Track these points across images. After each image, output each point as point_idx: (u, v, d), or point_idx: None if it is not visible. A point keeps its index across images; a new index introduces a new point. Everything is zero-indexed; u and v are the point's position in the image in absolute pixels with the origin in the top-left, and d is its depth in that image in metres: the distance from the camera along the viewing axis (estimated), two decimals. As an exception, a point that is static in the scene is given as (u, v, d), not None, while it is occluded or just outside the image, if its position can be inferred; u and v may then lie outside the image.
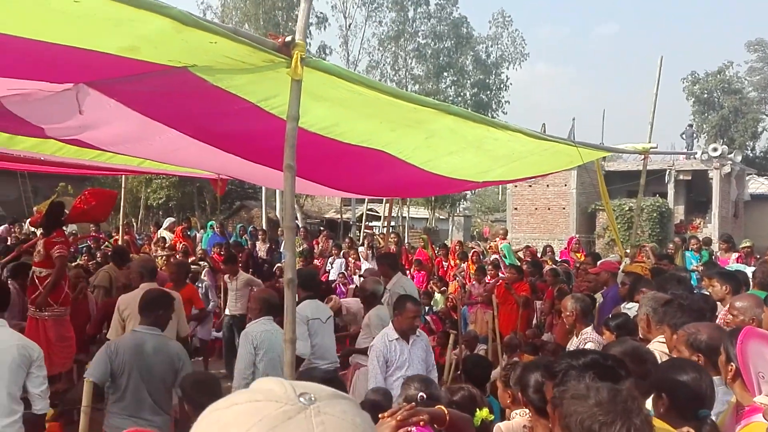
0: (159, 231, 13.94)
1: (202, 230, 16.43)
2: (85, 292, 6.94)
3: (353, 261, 11.93)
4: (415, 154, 5.18)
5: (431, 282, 10.94)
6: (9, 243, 12.39)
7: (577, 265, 11.01)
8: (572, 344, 5.02)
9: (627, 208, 24.22)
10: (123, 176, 11.35)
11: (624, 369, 2.10)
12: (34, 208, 15.81)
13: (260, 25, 28.75)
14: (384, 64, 35.70)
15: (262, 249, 13.20)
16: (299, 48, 3.24)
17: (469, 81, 36.28)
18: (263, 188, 24.47)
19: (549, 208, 28.45)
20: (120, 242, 11.07)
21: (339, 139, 4.66)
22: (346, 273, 11.49)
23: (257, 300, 5.26)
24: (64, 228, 6.58)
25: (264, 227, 19.77)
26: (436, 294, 10.51)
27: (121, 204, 10.73)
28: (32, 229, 13.32)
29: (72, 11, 2.67)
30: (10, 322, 4.46)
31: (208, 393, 3.34)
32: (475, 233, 36.28)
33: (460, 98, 35.24)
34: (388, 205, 10.65)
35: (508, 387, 3.34)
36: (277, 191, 24.44)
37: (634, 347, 3.19)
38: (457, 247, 12.66)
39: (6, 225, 16.08)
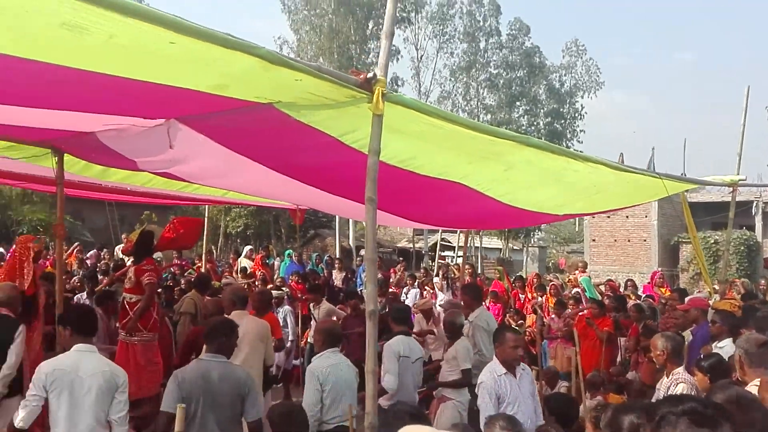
0: (239, 259, 14.30)
1: (278, 258, 16.80)
2: (164, 319, 7.17)
3: (429, 291, 11.88)
4: (493, 186, 5.14)
5: (507, 315, 10.73)
6: (98, 269, 13.05)
7: (663, 300, 10.55)
8: (662, 384, 4.79)
9: (712, 241, 23.17)
10: (205, 206, 11.80)
11: (725, 417, 1.98)
12: (123, 236, 16.61)
13: (334, 58, 29.47)
14: (455, 95, 35.95)
15: (338, 278, 13.34)
16: (380, 84, 3.30)
17: (542, 110, 35.95)
18: (337, 217, 24.82)
19: (629, 240, 27.56)
20: (203, 270, 11.45)
21: (417, 171, 4.69)
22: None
23: (320, 332, 5.12)
24: (153, 256, 6.87)
25: (338, 256, 19.99)
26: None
27: (204, 232, 11.12)
28: (121, 255, 13.99)
29: (167, 52, 2.82)
30: (98, 346, 4.64)
31: (296, 423, 3.36)
32: (550, 265, 35.50)
33: (533, 127, 34.93)
34: (463, 235, 10.57)
35: (598, 429, 3.22)
36: (351, 220, 24.77)
37: (738, 394, 3.01)
38: (535, 280, 12.39)
39: (95, 251, 16.90)
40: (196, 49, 2.71)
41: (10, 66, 3.08)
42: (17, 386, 4.80)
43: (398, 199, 5.46)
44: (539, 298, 11.39)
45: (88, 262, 14.38)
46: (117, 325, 6.97)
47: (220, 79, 3.27)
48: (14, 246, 6.49)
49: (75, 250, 14.03)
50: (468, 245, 12.96)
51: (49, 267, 7.75)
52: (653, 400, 4.42)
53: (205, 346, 4.42)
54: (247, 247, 15.04)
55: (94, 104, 4.02)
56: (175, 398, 4.07)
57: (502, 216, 6.70)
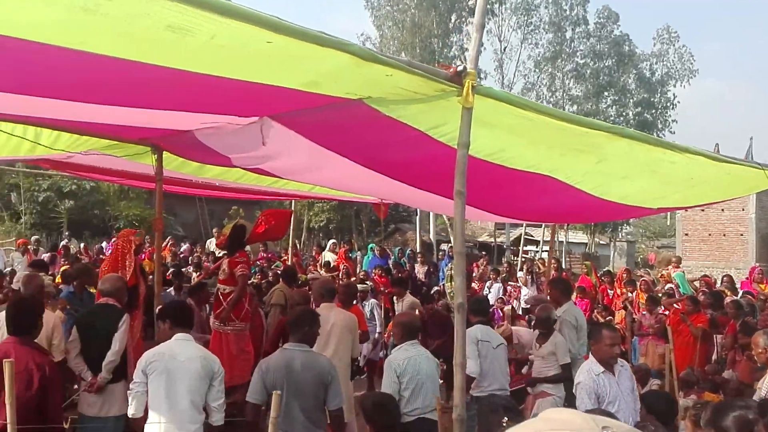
0: (323, 253, 14.58)
1: (359, 252, 17.01)
2: (257, 310, 7.43)
3: (512, 286, 11.73)
4: (584, 179, 5.00)
5: (595, 311, 10.44)
6: (190, 262, 13.63)
7: (762, 297, 9.99)
8: (765, 383, 4.55)
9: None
10: (291, 201, 12.09)
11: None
12: (214, 230, 17.28)
13: (416, 53, 29.41)
14: (540, 86, 35.06)
15: (420, 271, 13.38)
16: (470, 77, 3.29)
17: (631, 100, 34.63)
18: (417, 212, 24.83)
19: (724, 234, 26.17)
20: (289, 263, 11.75)
21: (505, 164, 4.63)
22: (504, 298, 11.32)
23: (398, 325, 5.14)
24: (245, 249, 7.13)
25: (418, 249, 20.02)
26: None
27: (291, 227, 11.39)
28: (212, 249, 14.56)
29: (264, 52, 2.90)
30: (192, 335, 4.85)
31: (388, 413, 3.40)
32: (639, 260, 34.26)
33: (622, 118, 33.69)
34: (548, 230, 10.36)
35: (698, 427, 3.09)
36: (431, 214, 24.74)
37: None
38: (624, 275, 11.98)
39: (188, 245, 17.65)
40: (290, 47, 2.78)
41: (116, 68, 3.27)
42: (121, 373, 5.08)
43: (485, 193, 5.41)
44: (629, 294, 11.01)
45: (182, 255, 15.03)
46: (210, 315, 7.29)
47: (313, 77, 3.34)
48: (116, 239, 6.85)
49: (169, 244, 14.70)
50: (553, 240, 12.69)
51: (146, 260, 8.15)
52: (755, 398, 4.21)
53: (289, 336, 4.52)
54: (331, 241, 15.31)
55: (192, 103, 4.20)
56: (260, 388, 4.19)
57: (592, 210, 6.51)
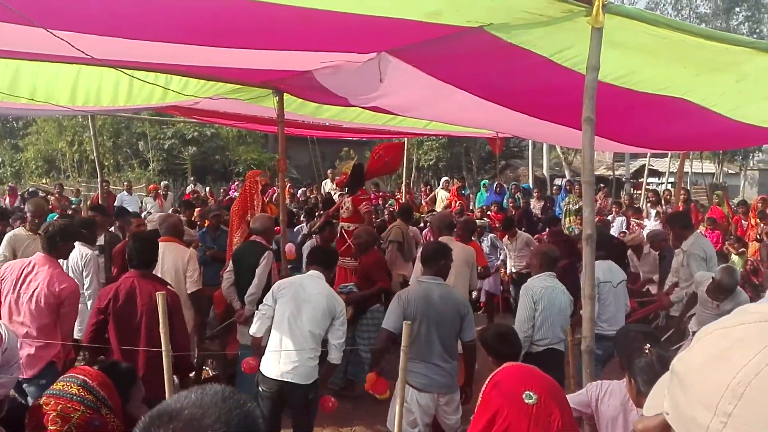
0: (436, 190, 14.61)
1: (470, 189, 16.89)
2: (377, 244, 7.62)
3: (635, 221, 11.26)
4: (721, 101, 4.65)
5: (727, 243, 9.86)
6: (308, 204, 14.10)
7: None
8: None
9: None
10: (402, 138, 12.11)
11: None
12: (328, 172, 17.70)
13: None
14: (664, 4, 32.60)
15: (537, 207, 13.12)
16: (601, -6, 3.11)
17: (766, 15, 31.46)
18: (530, 146, 24.18)
19: None
20: (402, 201, 11.89)
21: (634, 88, 4.38)
22: (627, 232, 10.89)
23: (537, 255, 5.17)
24: (363, 187, 7.30)
25: (531, 185, 19.58)
26: (732, 256, 9.45)
27: (404, 166, 11.47)
28: (326, 189, 14.97)
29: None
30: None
31: (510, 344, 3.44)
32: (773, 189, 31.72)
33: (755, 35, 30.77)
34: (676, 159, 9.78)
35: None
36: (545, 148, 24.01)
37: None
38: (760, 205, 11.16)
39: (303, 189, 18.24)
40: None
41: (242, 10, 3.36)
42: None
43: (611, 121, 5.16)
44: (763, 225, 10.29)
45: (299, 198, 15.58)
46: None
47: (436, 6, 3.28)
48: (245, 181, 7.18)
49: (287, 186, 15.23)
50: (675, 170, 11.98)
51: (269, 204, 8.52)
52: None
53: (422, 269, 4.60)
54: (443, 179, 15.27)
55: (312, 42, 4.25)
56: (398, 317, 4.29)
57: (727, 135, 6.06)
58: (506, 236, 8.65)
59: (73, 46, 3.87)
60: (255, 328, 4.53)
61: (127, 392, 2.63)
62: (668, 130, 5.80)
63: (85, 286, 5.51)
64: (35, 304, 4.47)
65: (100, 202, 10.66)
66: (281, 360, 4.32)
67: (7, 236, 6.16)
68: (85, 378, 2.15)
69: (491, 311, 8.85)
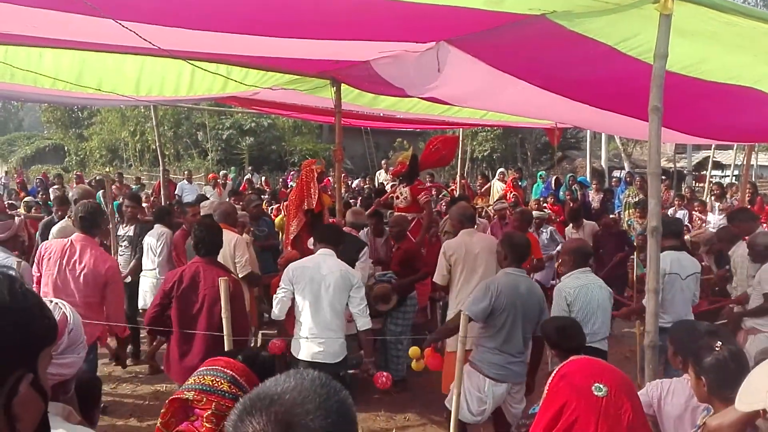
0: (491, 182, 14.47)
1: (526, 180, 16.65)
2: (438, 236, 7.63)
3: (698, 216, 10.90)
4: (794, 89, 4.46)
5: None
6: (364, 195, 14.19)
7: None
8: None
9: None
10: (457, 129, 12.02)
11: None
12: (383, 162, 17.75)
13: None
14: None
15: (595, 199, 12.83)
16: (670, -20, 3.01)
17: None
18: (588, 137, 23.65)
19: None
20: (456, 193, 11.82)
21: (701, 77, 4.24)
22: (689, 226, 10.55)
23: (568, 251, 4.88)
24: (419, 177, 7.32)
25: (589, 177, 19.17)
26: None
27: (458, 157, 11.39)
28: (380, 180, 15.01)
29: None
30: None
31: (572, 337, 3.39)
32: None
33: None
34: (742, 152, 9.42)
35: None
36: (603, 139, 23.43)
37: None
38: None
39: (359, 179, 18.33)
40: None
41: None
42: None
43: (677, 111, 4.98)
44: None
45: (354, 188, 15.69)
46: (385, 242, 7.61)
47: (497, -7, 3.24)
48: (301, 170, 7.27)
49: (342, 176, 15.35)
50: (739, 162, 11.52)
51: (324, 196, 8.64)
52: None
53: (507, 261, 4.54)
54: (499, 170, 15.10)
55: (370, 32, 4.26)
56: (484, 306, 4.29)
57: (799, 125, 5.81)
58: (571, 226, 8.51)
59: (141, 37, 3.99)
60: (277, 311, 4.71)
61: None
62: (735, 121, 5.59)
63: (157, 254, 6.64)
64: (83, 283, 4.82)
65: (161, 191, 10.99)
66: (310, 342, 4.54)
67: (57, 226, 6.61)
68: (234, 374, 2.14)
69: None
